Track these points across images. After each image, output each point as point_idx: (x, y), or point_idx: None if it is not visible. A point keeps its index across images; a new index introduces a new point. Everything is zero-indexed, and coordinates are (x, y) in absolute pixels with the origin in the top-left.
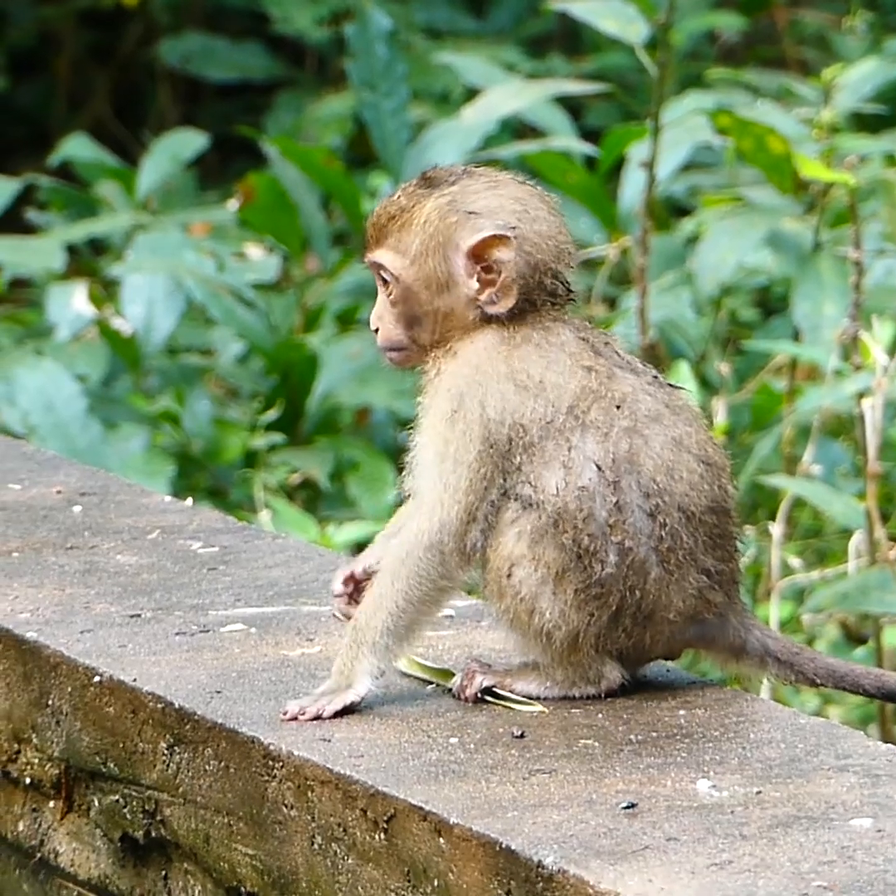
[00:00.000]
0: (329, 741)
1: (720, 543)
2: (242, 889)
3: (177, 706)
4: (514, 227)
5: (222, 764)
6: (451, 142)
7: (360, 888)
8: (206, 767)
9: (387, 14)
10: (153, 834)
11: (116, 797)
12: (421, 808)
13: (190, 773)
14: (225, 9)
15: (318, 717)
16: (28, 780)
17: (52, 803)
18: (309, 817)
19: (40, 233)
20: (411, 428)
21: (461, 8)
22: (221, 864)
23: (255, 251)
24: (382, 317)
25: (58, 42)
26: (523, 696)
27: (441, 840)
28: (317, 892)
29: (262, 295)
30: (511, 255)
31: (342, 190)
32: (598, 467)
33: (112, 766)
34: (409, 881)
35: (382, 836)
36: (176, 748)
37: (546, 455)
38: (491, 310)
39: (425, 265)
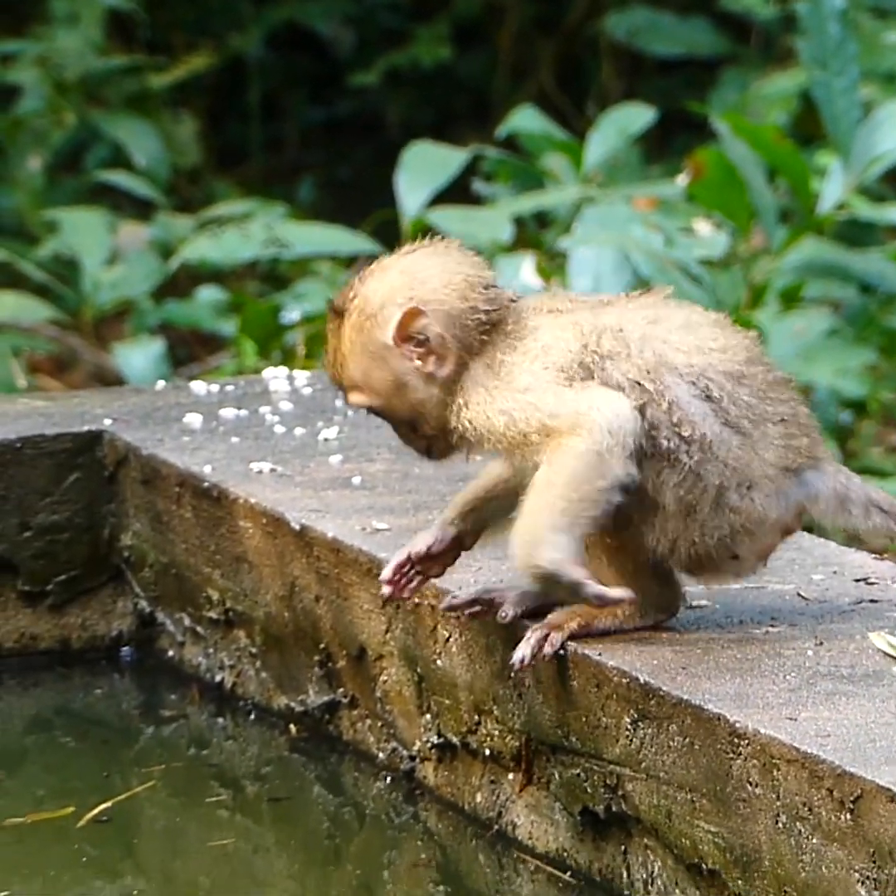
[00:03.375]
0: (795, 720)
1: (777, 388)
2: (704, 866)
3: (642, 681)
4: (410, 298)
5: (687, 740)
6: None
7: (823, 868)
8: (671, 743)
9: None
10: (614, 809)
11: (577, 771)
12: (889, 790)
13: (653, 749)
14: None
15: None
16: (487, 752)
17: (511, 776)
18: (774, 796)
19: (486, 204)
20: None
21: None
22: (683, 840)
23: (703, 227)
24: (399, 435)
25: (502, 13)
26: None
27: None
28: (780, 871)
29: (707, 270)
30: (424, 321)
31: (791, 167)
32: (639, 383)
33: (574, 739)
34: (874, 862)
35: (848, 816)
36: (640, 723)
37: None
38: (441, 374)
39: (376, 380)
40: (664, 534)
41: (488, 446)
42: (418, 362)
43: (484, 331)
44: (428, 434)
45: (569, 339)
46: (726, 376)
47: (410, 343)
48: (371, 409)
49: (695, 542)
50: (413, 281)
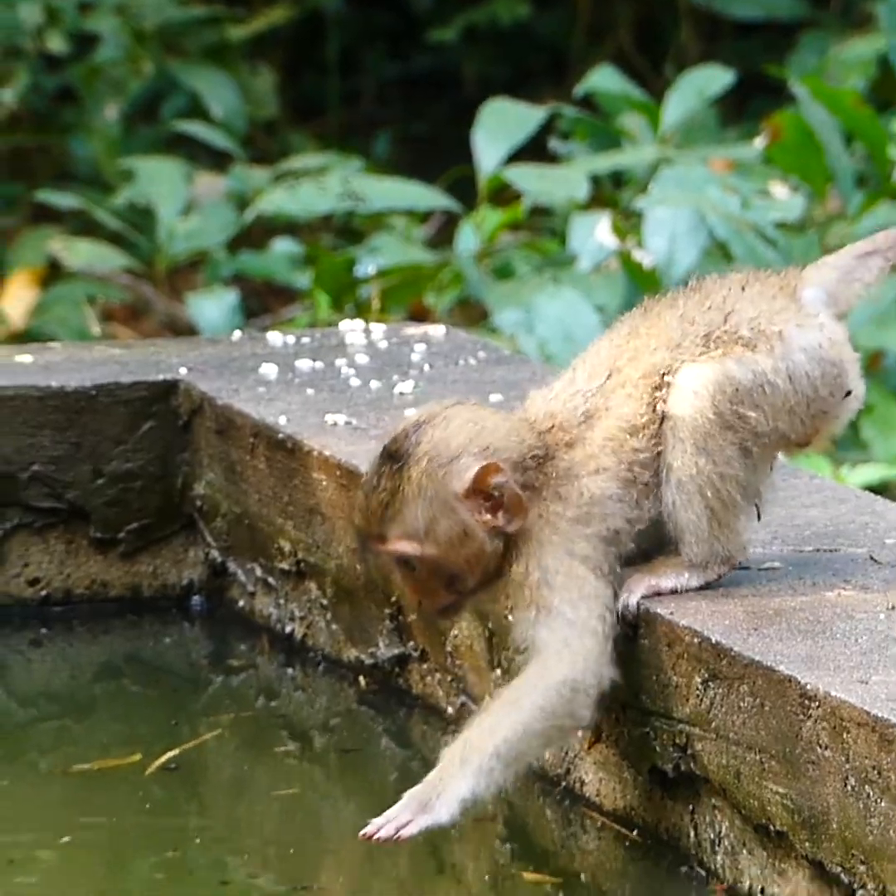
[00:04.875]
0: (866, 683)
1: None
2: (771, 827)
3: (713, 641)
4: (485, 447)
5: (757, 701)
6: None
7: (891, 832)
8: (741, 704)
9: None
10: (683, 768)
11: (647, 729)
12: None
13: (723, 709)
14: None
15: (396, 839)
16: None
17: (580, 733)
18: (843, 758)
19: (563, 162)
20: None
21: None
22: (751, 801)
23: (779, 190)
24: (422, 592)
25: None
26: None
27: None
28: (847, 834)
29: (783, 233)
30: (501, 479)
31: (868, 132)
32: (652, 388)
33: (644, 698)
34: None
35: None
36: (711, 683)
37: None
38: (511, 529)
39: (440, 530)
40: (776, 414)
41: (518, 596)
42: (487, 516)
43: (536, 473)
44: (464, 590)
45: (609, 480)
46: (677, 319)
47: (480, 497)
48: (409, 561)
49: (810, 399)
50: (483, 430)
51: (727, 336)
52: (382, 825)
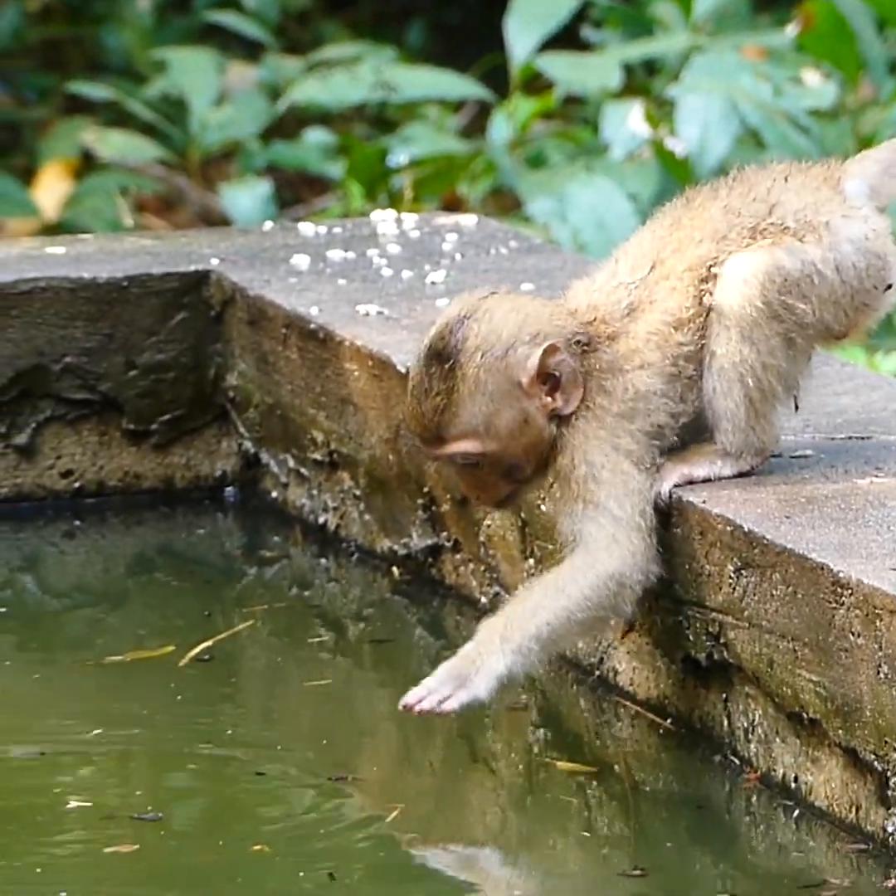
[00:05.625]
0: None
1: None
2: (805, 715)
3: (746, 529)
4: (537, 333)
5: (790, 589)
6: None
7: None
8: (773, 592)
9: None
10: (716, 656)
11: (680, 618)
12: None
13: (756, 597)
14: None
15: (437, 713)
16: None
17: (613, 622)
18: (876, 646)
19: (595, 50)
20: None
21: None
22: (784, 689)
23: (812, 77)
24: (480, 486)
25: None
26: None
27: None
28: (880, 721)
29: (815, 121)
30: (560, 358)
31: None
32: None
33: (677, 587)
34: None
35: None
36: (743, 572)
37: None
38: (569, 410)
39: (502, 422)
40: (823, 305)
41: (564, 489)
42: (547, 399)
43: (581, 360)
44: (522, 478)
45: (653, 375)
46: (721, 210)
47: (541, 380)
48: (469, 459)
49: (855, 290)
50: (528, 317)
51: (773, 228)
52: (423, 696)
